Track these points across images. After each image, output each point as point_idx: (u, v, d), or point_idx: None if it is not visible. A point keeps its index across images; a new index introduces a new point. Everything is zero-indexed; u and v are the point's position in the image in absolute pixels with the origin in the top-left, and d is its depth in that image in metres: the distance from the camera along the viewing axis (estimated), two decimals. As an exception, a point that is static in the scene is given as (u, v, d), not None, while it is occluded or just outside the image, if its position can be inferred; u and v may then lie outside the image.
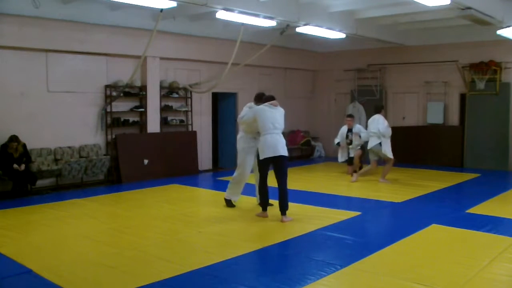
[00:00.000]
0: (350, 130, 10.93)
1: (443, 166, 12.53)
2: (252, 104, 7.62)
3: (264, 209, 7.19)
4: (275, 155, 6.91)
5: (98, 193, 9.22)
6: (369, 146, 10.19)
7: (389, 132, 10.09)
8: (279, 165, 7.01)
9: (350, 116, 11.27)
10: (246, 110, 7.51)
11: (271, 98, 7.24)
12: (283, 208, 6.95)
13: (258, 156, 7.21)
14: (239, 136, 7.80)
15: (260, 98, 7.44)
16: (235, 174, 7.79)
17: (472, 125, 12.58)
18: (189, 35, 11.37)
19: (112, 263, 5.14)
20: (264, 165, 7.08)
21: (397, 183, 10.28)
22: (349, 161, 10.96)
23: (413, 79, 13.61)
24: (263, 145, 6.97)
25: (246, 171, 7.69)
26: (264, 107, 7.12)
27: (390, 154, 10.08)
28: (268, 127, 6.97)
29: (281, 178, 7.01)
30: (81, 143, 10.01)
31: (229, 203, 7.84)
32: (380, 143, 10.03)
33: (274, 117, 7.04)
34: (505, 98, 12.16)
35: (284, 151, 6.97)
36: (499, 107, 12.23)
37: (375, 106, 10.71)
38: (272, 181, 7.19)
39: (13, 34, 8.75)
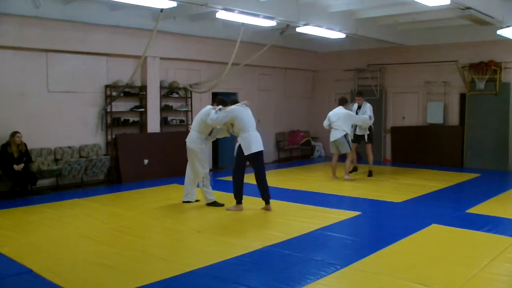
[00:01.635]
0: (359, 108, 10.90)
1: (443, 166, 12.53)
2: (210, 107, 7.78)
3: (240, 201, 7.61)
4: (260, 149, 7.53)
5: (98, 193, 9.22)
6: (334, 138, 10.30)
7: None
8: (260, 159, 7.60)
9: (360, 94, 11.22)
10: (214, 112, 7.54)
11: (236, 101, 7.85)
12: (269, 198, 7.65)
13: (239, 152, 7.46)
14: (195, 136, 7.76)
15: (223, 101, 7.83)
16: (205, 176, 7.85)
17: (472, 125, 12.58)
18: (189, 35, 11.37)
19: (112, 263, 5.14)
20: (245, 160, 7.53)
21: (397, 183, 10.28)
22: (354, 139, 10.87)
23: (413, 79, 13.61)
24: (248, 141, 7.40)
25: (207, 169, 7.98)
26: (240, 108, 7.55)
27: (350, 148, 10.39)
28: (250, 125, 7.50)
29: (263, 171, 7.66)
30: (81, 143, 10.01)
31: (216, 204, 7.86)
32: (345, 136, 10.21)
33: (251, 116, 7.65)
34: (505, 98, 12.16)
35: (262, 146, 7.63)
36: (499, 107, 12.22)
37: (340, 99, 10.75)
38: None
39: (13, 34, 8.75)
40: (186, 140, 7.88)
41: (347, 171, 10.53)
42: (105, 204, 8.19)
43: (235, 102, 7.83)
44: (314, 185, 9.90)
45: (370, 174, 11.00)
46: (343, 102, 10.58)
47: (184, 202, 8.08)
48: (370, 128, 10.90)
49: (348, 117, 10.37)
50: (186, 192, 8.10)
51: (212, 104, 7.90)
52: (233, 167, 7.73)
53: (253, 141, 7.41)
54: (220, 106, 7.67)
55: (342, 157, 10.76)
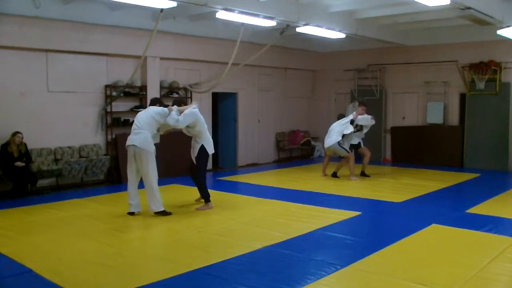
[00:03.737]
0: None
1: (443, 166, 12.53)
2: (160, 108, 7.35)
3: (209, 199, 7.75)
4: None
5: (98, 193, 9.22)
6: (327, 145, 10.56)
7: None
8: None
9: (363, 104, 11.16)
10: (175, 113, 7.30)
11: (181, 101, 7.87)
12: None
13: (205, 152, 7.57)
14: (149, 137, 7.14)
15: (161, 101, 7.64)
16: (155, 181, 7.18)
17: (472, 125, 12.58)
18: (189, 35, 11.37)
19: (112, 263, 5.14)
20: (208, 159, 7.80)
21: (397, 183, 10.28)
22: (351, 148, 10.98)
23: (413, 79, 13.61)
24: (209, 142, 7.66)
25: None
26: (198, 110, 7.59)
27: (348, 151, 10.64)
28: (206, 126, 7.66)
29: None
30: (81, 143, 10.01)
31: (165, 213, 7.27)
32: (338, 143, 10.44)
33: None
34: (505, 98, 12.16)
35: None
36: (499, 107, 12.23)
37: (338, 116, 11.05)
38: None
39: (13, 34, 8.75)
40: (134, 142, 7.05)
41: (352, 172, 10.58)
42: (105, 204, 8.19)
43: (180, 101, 7.74)
44: (314, 185, 9.90)
45: (363, 174, 11.01)
46: (341, 117, 10.88)
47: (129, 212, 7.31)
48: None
49: (341, 127, 10.53)
50: (132, 202, 7.33)
51: (154, 105, 7.40)
52: (199, 169, 7.60)
53: (211, 142, 7.73)
54: (176, 107, 7.44)
55: (336, 158, 10.88)
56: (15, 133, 8.62)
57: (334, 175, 10.91)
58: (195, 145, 7.63)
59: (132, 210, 7.29)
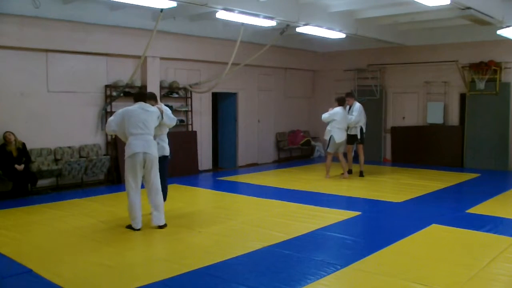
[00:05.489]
0: (350, 108, 11.03)
1: (443, 166, 12.53)
2: (154, 107, 6.73)
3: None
4: None
5: (98, 193, 9.22)
6: (342, 139, 10.56)
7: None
8: None
9: (349, 95, 11.27)
10: (168, 113, 6.93)
11: (154, 96, 7.11)
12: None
13: (171, 152, 7.22)
14: (154, 141, 6.65)
15: (146, 96, 6.89)
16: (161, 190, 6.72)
17: (472, 125, 12.57)
18: (189, 35, 11.37)
19: (112, 263, 5.14)
20: None
21: (397, 183, 10.28)
22: (349, 140, 10.97)
23: (413, 79, 13.61)
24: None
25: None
26: None
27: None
28: None
29: None
30: (81, 143, 10.01)
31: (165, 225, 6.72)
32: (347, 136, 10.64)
33: None
34: (505, 98, 12.16)
35: None
36: (499, 107, 12.22)
37: (339, 99, 10.81)
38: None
39: (13, 34, 8.75)
40: (147, 150, 6.39)
41: (350, 164, 11.06)
42: (105, 204, 8.19)
43: (153, 96, 7.06)
44: (314, 185, 9.90)
45: (361, 174, 11.01)
46: (343, 102, 10.73)
47: (138, 229, 6.46)
48: (361, 129, 10.98)
49: (346, 118, 10.66)
50: (140, 215, 6.52)
51: (143, 100, 6.64)
52: (166, 169, 7.15)
53: None
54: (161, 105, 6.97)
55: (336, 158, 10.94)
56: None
57: (350, 172, 11.20)
58: (163, 145, 7.02)
59: (140, 226, 6.47)
